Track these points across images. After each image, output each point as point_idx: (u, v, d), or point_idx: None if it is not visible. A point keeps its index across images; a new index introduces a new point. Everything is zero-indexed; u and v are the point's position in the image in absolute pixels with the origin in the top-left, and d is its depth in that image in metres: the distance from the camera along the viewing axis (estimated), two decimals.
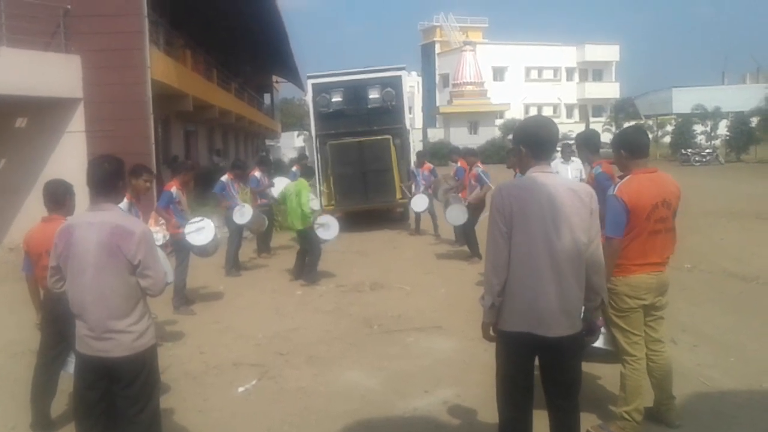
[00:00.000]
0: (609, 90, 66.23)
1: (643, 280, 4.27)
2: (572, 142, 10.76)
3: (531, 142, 3.46)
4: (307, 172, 10.66)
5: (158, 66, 15.32)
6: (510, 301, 3.35)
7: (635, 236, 4.22)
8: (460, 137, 46.57)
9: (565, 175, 9.39)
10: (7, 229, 13.47)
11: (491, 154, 37.84)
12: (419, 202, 13.76)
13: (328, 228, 9.93)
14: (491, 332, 3.51)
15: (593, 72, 68.26)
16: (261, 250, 12.33)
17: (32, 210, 11.31)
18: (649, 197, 4.22)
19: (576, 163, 11.11)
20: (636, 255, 4.24)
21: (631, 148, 4.42)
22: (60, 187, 4.72)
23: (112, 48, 13.84)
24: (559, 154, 11.14)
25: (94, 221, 3.58)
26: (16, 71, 12.23)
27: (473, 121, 55.43)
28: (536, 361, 3.48)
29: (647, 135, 4.85)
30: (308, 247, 9.80)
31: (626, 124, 41.08)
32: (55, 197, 4.66)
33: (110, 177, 3.67)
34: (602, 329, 4.40)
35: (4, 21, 12.36)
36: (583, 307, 3.43)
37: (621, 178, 4.42)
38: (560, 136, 3.69)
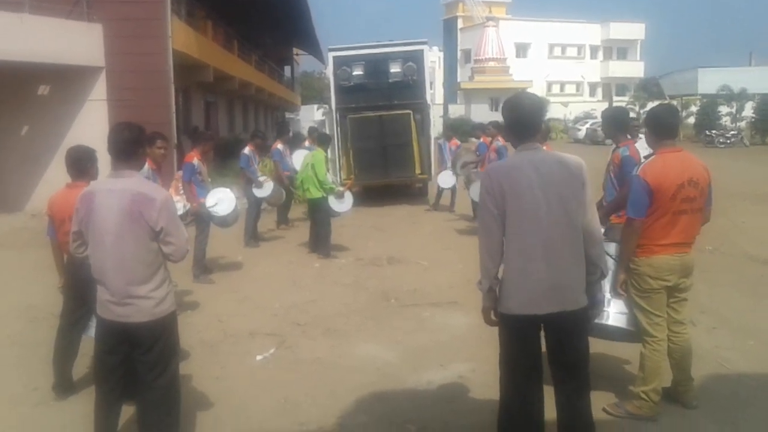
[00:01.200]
0: (633, 69, 65.26)
1: (666, 261, 4.21)
2: (635, 118, 10.28)
3: (515, 119, 3.43)
4: (323, 140, 10.52)
5: (179, 36, 15.34)
6: (507, 282, 3.34)
7: (659, 216, 4.15)
8: (481, 114, 46.22)
9: None
10: (29, 195, 13.65)
11: None
12: (446, 178, 13.67)
13: (342, 200, 9.87)
14: (492, 316, 3.49)
15: (618, 50, 67.18)
16: (280, 221, 12.38)
17: (54, 177, 11.41)
18: (675, 177, 4.14)
19: (642, 141, 10.65)
20: (659, 235, 4.17)
21: (659, 126, 4.34)
22: (83, 153, 4.74)
23: (133, 17, 13.88)
24: None
25: (115, 188, 3.61)
26: (39, 38, 12.31)
27: (494, 97, 54.87)
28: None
29: (677, 115, 4.73)
30: (317, 218, 9.79)
31: (650, 104, 40.54)
32: (79, 163, 4.69)
33: (131, 144, 3.69)
34: (626, 309, 4.38)
35: None
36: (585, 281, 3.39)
37: (647, 157, 4.34)
38: (545, 113, 3.64)
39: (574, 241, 3.29)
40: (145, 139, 3.90)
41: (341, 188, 10.05)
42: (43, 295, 6.67)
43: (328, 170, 9.96)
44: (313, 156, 9.82)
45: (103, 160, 4.87)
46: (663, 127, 4.35)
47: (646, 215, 4.12)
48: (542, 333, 3.46)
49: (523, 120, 3.41)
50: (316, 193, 9.64)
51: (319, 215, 9.77)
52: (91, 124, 13.02)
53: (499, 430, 3.59)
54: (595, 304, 3.63)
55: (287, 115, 47.47)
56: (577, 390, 3.47)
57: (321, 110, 50.60)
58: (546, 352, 3.48)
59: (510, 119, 3.45)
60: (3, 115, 13.95)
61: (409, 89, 15.53)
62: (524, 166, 3.29)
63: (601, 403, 4.31)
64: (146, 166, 6.45)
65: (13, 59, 11.84)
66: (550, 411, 3.57)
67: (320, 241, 9.75)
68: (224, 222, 8.29)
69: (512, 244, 3.29)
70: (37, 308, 6.78)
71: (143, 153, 3.88)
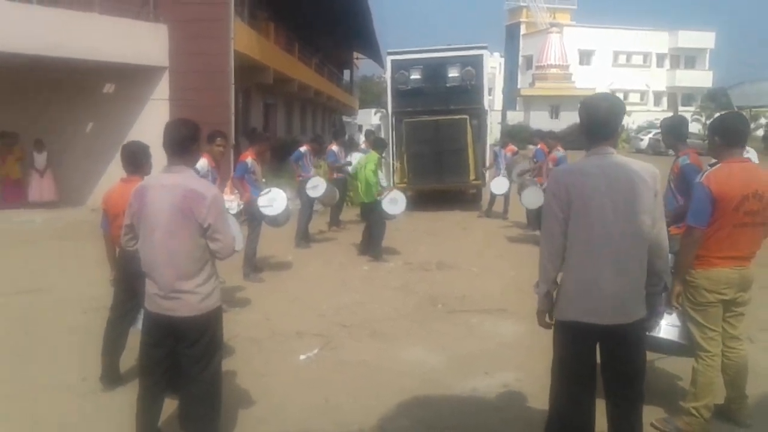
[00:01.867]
0: (701, 78, 63.21)
1: (725, 274, 4.04)
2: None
3: (591, 120, 3.30)
4: (378, 144, 10.55)
5: (242, 38, 15.59)
6: (567, 288, 3.25)
7: (720, 227, 3.99)
8: (541, 121, 45.61)
9: None
10: (91, 190, 14.09)
11: (573, 139, 36.83)
12: (500, 185, 13.52)
13: (395, 203, 9.82)
14: (547, 320, 3.40)
15: (685, 59, 65.20)
16: (332, 223, 12.44)
17: (116, 173, 11.66)
18: (740, 187, 3.96)
19: (752, 154, 10.09)
20: (719, 247, 4.01)
21: (728, 135, 4.15)
22: (138, 148, 4.87)
23: (197, 18, 14.17)
24: None
25: (168, 183, 3.66)
26: (107, 38, 12.73)
27: (555, 104, 54.11)
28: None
29: (747, 123, 4.55)
30: (372, 221, 9.79)
31: (717, 115, 39.29)
32: (133, 158, 4.81)
33: (186, 140, 3.75)
34: (678, 322, 4.23)
35: None
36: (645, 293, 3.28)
37: (712, 165, 4.16)
38: (622, 116, 3.44)
39: (640, 252, 3.18)
40: (199, 136, 3.96)
41: (386, 191, 9.99)
42: (99, 286, 6.82)
43: (381, 173, 9.97)
44: (366, 158, 9.84)
45: (159, 156, 5.02)
46: (732, 134, 4.16)
47: (707, 225, 3.96)
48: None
49: (599, 122, 3.28)
50: (364, 198, 9.69)
51: (373, 217, 9.78)
52: (153, 122, 13.25)
53: None
54: (654, 316, 3.51)
55: (345, 118, 47.81)
56: (630, 403, 3.38)
57: (378, 114, 50.93)
58: (600, 362, 3.38)
59: (585, 120, 3.33)
60: (70, 111, 14.46)
61: (467, 94, 15.41)
62: (593, 170, 3.19)
63: (650, 417, 4.15)
64: (205, 162, 6.61)
65: (82, 57, 12.27)
66: (599, 424, 3.47)
67: (372, 243, 9.75)
68: (275, 221, 8.37)
69: (575, 250, 3.20)
70: (92, 299, 6.95)
71: (197, 149, 3.94)
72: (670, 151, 5.52)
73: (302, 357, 5.61)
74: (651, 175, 3.20)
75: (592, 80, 57.38)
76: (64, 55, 12.02)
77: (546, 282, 3.28)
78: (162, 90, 14.35)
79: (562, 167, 3.43)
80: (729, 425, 4.29)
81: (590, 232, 3.15)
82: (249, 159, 8.25)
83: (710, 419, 4.16)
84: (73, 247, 10.23)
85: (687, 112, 47.66)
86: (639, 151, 42.12)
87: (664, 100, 63.23)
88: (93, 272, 7.67)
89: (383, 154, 10.39)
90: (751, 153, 10.18)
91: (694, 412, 4.13)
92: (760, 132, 42.45)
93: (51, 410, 4.60)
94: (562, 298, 3.28)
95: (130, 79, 14.26)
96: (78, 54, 12.13)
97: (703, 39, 64.03)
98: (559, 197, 3.20)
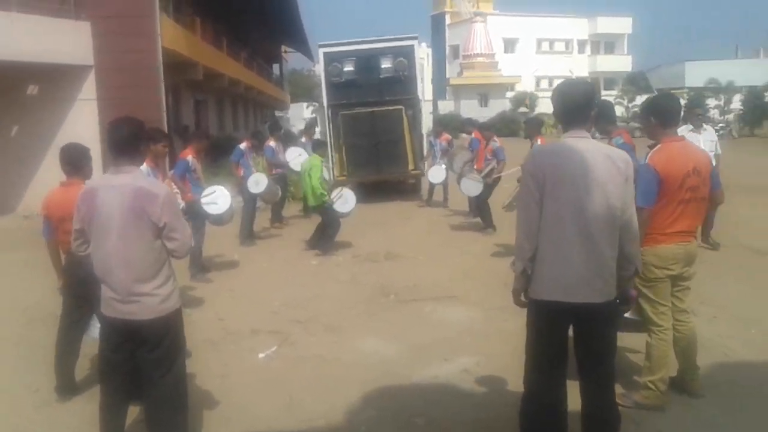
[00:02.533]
0: (621, 63, 65.49)
1: (671, 250, 4.21)
2: (699, 109, 9.84)
3: (565, 105, 3.38)
4: (318, 146, 10.56)
5: (168, 33, 15.24)
6: (541, 267, 3.31)
7: (665, 205, 4.14)
8: (471, 109, 46.30)
9: (698, 145, 8.36)
10: (21, 196, 13.54)
11: (501, 127, 37.56)
12: (437, 174, 13.66)
13: (346, 201, 9.89)
14: (522, 298, 3.46)
15: (605, 44, 67.38)
16: (274, 219, 12.31)
17: (46, 177, 11.34)
18: (681, 166, 4.13)
19: (709, 132, 10.21)
20: (665, 224, 4.16)
21: (663, 115, 4.31)
22: (77, 150, 4.68)
23: (122, 15, 13.78)
24: (683, 126, 9.62)
25: (117, 184, 3.55)
26: (27, 37, 12.19)
27: (483, 93, 55.01)
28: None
29: (680, 102, 4.74)
30: (327, 220, 9.78)
31: (638, 98, 40.72)
32: (73, 161, 4.62)
33: (131, 139, 3.64)
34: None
35: None
36: (616, 276, 3.37)
37: (651, 147, 4.32)
38: (595, 100, 3.56)
39: (611, 235, 3.26)
40: (145, 134, 3.85)
41: (336, 191, 10.03)
42: (40, 296, 6.60)
43: (325, 170, 9.97)
44: (310, 163, 9.82)
45: (96, 158, 4.86)
46: (668, 114, 4.33)
47: (654, 204, 4.10)
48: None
49: (573, 107, 3.36)
50: (312, 202, 9.71)
51: (327, 216, 9.79)
52: (82, 123, 12.94)
53: (522, 417, 3.57)
54: (627, 300, 3.61)
55: (276, 113, 47.33)
56: (603, 380, 3.46)
57: (311, 108, 50.71)
58: (573, 341, 3.46)
59: (560, 105, 3.40)
60: None
61: (401, 85, 15.48)
62: (571, 153, 3.25)
63: None
64: (144, 164, 6.40)
65: (1, 59, 11.70)
66: (572, 403, 3.56)
67: (324, 239, 9.73)
68: (220, 220, 8.23)
69: (550, 229, 3.25)
70: (34, 309, 6.70)
71: (144, 148, 3.83)
72: (597, 135, 5.72)
73: (261, 355, 5.54)
74: (623, 160, 3.30)
75: (518, 68, 58.69)
76: None
77: (522, 260, 3.32)
78: (89, 90, 13.87)
79: (540, 147, 3.49)
80: (684, 396, 4.45)
81: (563, 212, 3.22)
82: (189, 157, 8.07)
83: (666, 392, 4.33)
84: (7, 257, 9.79)
85: (609, 96, 49.21)
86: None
87: None
88: (32, 281, 7.39)
89: (323, 156, 10.38)
90: (708, 130, 10.37)
91: (650, 385, 4.29)
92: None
93: (4, 425, 4.40)
94: (537, 276, 3.33)
95: (55, 79, 13.71)
96: None
97: (621, 24, 66.37)
98: (536, 177, 3.26)
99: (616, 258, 3.32)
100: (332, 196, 9.82)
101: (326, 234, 9.76)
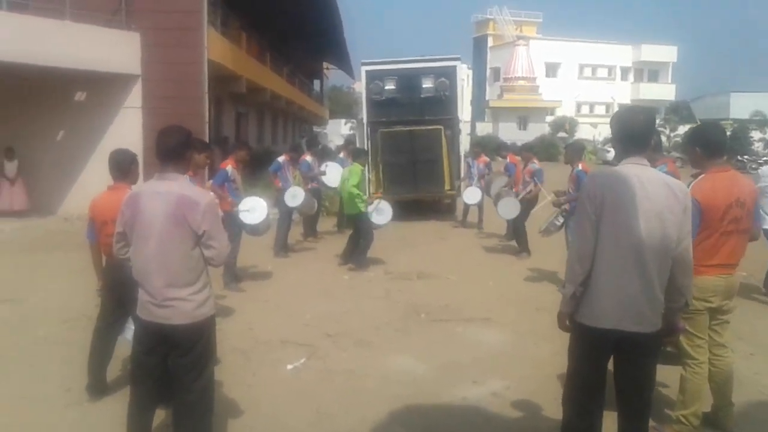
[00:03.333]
0: (664, 91, 64.68)
1: (711, 282, 4.13)
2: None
3: (626, 132, 3.35)
4: (359, 155, 10.55)
5: (215, 47, 15.52)
6: (591, 292, 3.26)
7: (707, 236, 4.08)
8: (509, 132, 46.18)
9: None
10: (62, 199, 13.87)
11: (540, 150, 37.29)
12: (472, 195, 13.63)
13: (382, 212, 9.96)
14: (567, 322, 3.42)
15: (649, 72, 66.69)
16: (308, 233, 12.40)
17: (88, 182, 11.63)
18: (724, 197, 4.07)
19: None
20: (706, 256, 4.08)
21: (709, 145, 4.25)
22: (126, 156, 4.80)
23: (171, 27, 14.09)
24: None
25: (161, 190, 3.61)
26: (78, 45, 12.56)
27: (523, 116, 54.83)
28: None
29: (725, 132, 4.66)
30: (361, 232, 9.81)
31: (681, 128, 40.15)
32: (121, 165, 4.73)
33: (179, 146, 3.71)
34: None
35: None
36: (664, 307, 3.31)
37: (695, 176, 4.26)
38: (655, 128, 3.53)
39: (664, 265, 3.21)
40: (192, 143, 3.92)
41: (373, 202, 10.07)
42: (77, 296, 6.73)
43: (363, 182, 10.02)
44: (349, 171, 9.87)
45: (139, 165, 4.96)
46: (713, 144, 4.26)
47: (695, 235, 4.04)
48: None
49: (636, 134, 3.33)
50: (351, 210, 9.69)
51: (362, 227, 9.81)
52: (126, 130, 13.23)
53: None
54: (673, 332, 3.54)
55: (315, 128, 47.81)
56: (640, 411, 3.42)
57: (349, 125, 51.10)
58: (614, 370, 3.41)
59: (620, 132, 3.37)
60: (40, 119, 14.22)
61: (441, 104, 15.51)
62: (630, 179, 3.21)
63: None
64: None
65: (53, 65, 12.08)
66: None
67: (358, 252, 9.76)
68: (256, 230, 8.31)
69: (603, 254, 3.21)
70: (71, 310, 6.83)
71: (190, 156, 3.90)
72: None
73: (289, 367, 5.57)
74: (682, 191, 3.25)
75: (559, 93, 58.36)
76: (34, 62, 11.82)
77: (573, 283, 3.27)
78: (134, 98, 14.20)
79: (600, 171, 3.46)
80: None
81: (619, 238, 3.18)
82: (229, 167, 8.19)
83: (699, 427, 4.23)
84: (47, 257, 10.03)
85: None
86: (606, 162, 42.80)
87: None
88: (69, 282, 7.55)
89: (363, 166, 10.39)
90: None
91: (683, 419, 4.20)
92: None
93: (35, 422, 4.48)
94: (587, 301, 3.28)
95: (102, 86, 14.07)
96: (48, 61, 11.94)
97: (666, 53, 65.60)
98: (594, 200, 3.22)
99: (664, 289, 3.26)
100: (369, 208, 9.82)
101: (360, 246, 9.77)
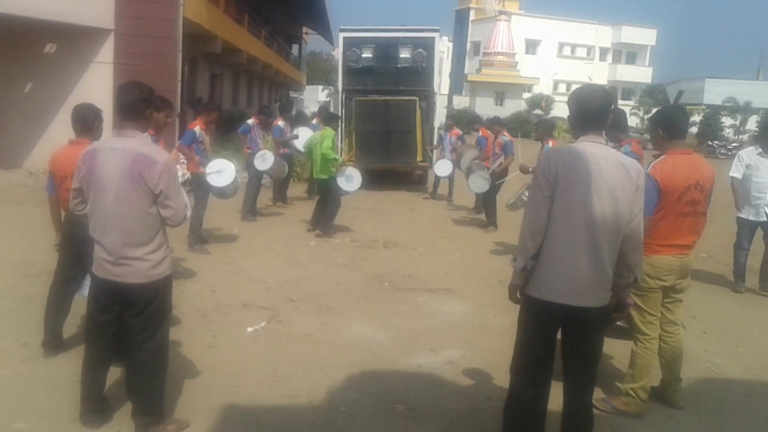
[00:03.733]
0: (641, 74, 65.03)
1: (666, 261, 4.22)
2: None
3: (582, 110, 3.38)
4: (331, 119, 10.40)
5: (191, 4, 15.20)
6: (542, 266, 3.30)
7: (663, 216, 4.16)
8: (486, 107, 46.18)
9: (765, 172, 7.75)
10: (28, 153, 13.59)
11: (515, 126, 37.40)
12: (443, 167, 13.64)
13: (351, 179, 9.87)
14: (518, 295, 3.47)
15: (627, 54, 66.92)
16: (277, 198, 12.35)
17: (55, 136, 11.38)
18: (683, 178, 4.14)
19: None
20: (662, 235, 4.17)
21: (671, 127, 4.31)
22: (89, 111, 4.71)
23: None
24: (751, 147, 8.46)
25: (118, 147, 3.57)
26: None
27: (500, 91, 54.84)
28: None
29: (687, 115, 4.73)
30: (328, 197, 9.78)
31: (654, 110, 40.51)
32: (84, 120, 4.65)
33: (139, 103, 3.65)
34: None
35: None
36: (613, 283, 3.38)
37: (656, 157, 4.32)
38: (612, 106, 3.55)
39: (615, 242, 3.26)
40: (153, 100, 3.85)
41: (343, 168, 9.98)
42: (38, 251, 6.64)
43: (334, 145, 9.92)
44: (322, 134, 9.78)
45: (107, 122, 4.88)
46: (674, 127, 4.33)
47: (652, 213, 4.11)
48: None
49: (591, 112, 3.35)
50: (323, 174, 9.65)
51: (329, 194, 9.77)
52: (96, 85, 12.92)
53: (506, 415, 3.59)
54: (622, 308, 3.61)
55: (291, 94, 47.30)
56: (586, 383, 3.50)
57: (326, 91, 50.64)
58: (561, 343, 3.47)
59: (577, 110, 3.39)
60: (8, 70, 13.82)
61: (417, 76, 15.42)
62: (585, 156, 3.24)
63: None
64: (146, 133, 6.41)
65: (22, 14, 11.70)
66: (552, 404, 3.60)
67: (325, 219, 9.73)
68: (223, 193, 8.26)
69: (556, 230, 3.24)
70: (31, 264, 6.75)
71: (150, 114, 3.83)
72: (609, 142, 5.71)
73: (249, 329, 5.58)
74: (635, 169, 3.29)
75: (537, 70, 58.38)
76: (3, 10, 11.45)
77: (524, 257, 3.31)
78: (106, 53, 13.86)
79: (555, 147, 3.48)
80: (663, 407, 4.49)
81: (572, 214, 3.21)
82: (197, 128, 8.10)
83: (646, 400, 4.36)
84: (9, 210, 9.87)
85: (626, 106, 49.10)
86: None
87: None
88: (31, 237, 7.45)
89: (335, 130, 10.31)
90: None
91: (631, 392, 4.32)
92: (694, 129, 44.09)
93: None
94: (537, 275, 3.32)
95: (73, 39, 13.70)
96: (17, 11, 11.56)
97: (645, 35, 65.83)
98: (548, 175, 3.25)
99: (614, 265, 3.32)
100: (338, 175, 9.74)
101: (327, 213, 9.76)
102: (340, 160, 9.73)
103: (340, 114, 15.14)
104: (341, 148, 15.16)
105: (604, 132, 3.51)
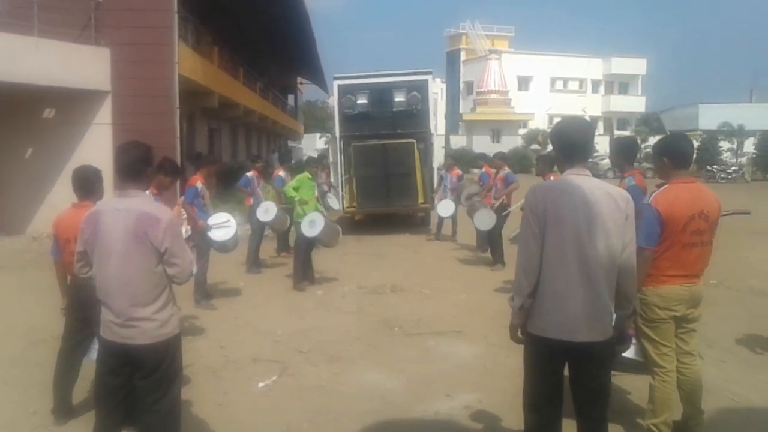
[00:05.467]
0: (634, 103, 65.60)
1: (675, 291, 4.16)
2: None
3: (565, 143, 3.38)
4: (311, 162, 10.50)
5: (186, 62, 15.43)
6: (539, 304, 3.27)
7: (668, 247, 4.10)
8: (483, 145, 46.40)
9: None
10: (31, 218, 13.64)
11: (513, 163, 37.59)
12: (446, 207, 13.65)
13: (314, 225, 9.40)
14: (519, 334, 3.42)
15: (619, 85, 67.60)
16: (280, 249, 12.33)
17: (57, 200, 11.44)
18: (686, 208, 4.09)
19: None
20: (668, 266, 4.12)
21: (675, 156, 4.28)
22: (89, 173, 4.71)
23: (141, 42, 13.98)
24: None
25: (121, 207, 3.55)
26: (48, 62, 12.41)
27: (496, 129, 55.26)
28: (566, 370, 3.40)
29: (692, 144, 4.70)
30: (294, 244, 9.68)
31: (651, 138, 40.81)
32: (85, 183, 4.65)
33: (138, 162, 3.65)
34: (633, 339, 4.31)
35: (36, 12, 12.48)
36: (614, 315, 3.34)
37: (659, 186, 4.29)
38: (593, 138, 3.56)
39: (610, 273, 3.23)
40: (152, 159, 3.86)
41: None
42: (44, 317, 6.59)
43: (331, 195, 9.87)
44: (296, 180, 9.76)
45: (108, 183, 4.88)
46: (679, 156, 4.29)
47: (656, 244, 4.07)
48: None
49: (574, 144, 3.36)
50: (296, 216, 9.59)
51: (297, 238, 9.65)
52: (96, 147, 13.05)
53: None
54: (624, 340, 3.55)
55: (290, 143, 47.71)
56: (598, 421, 3.42)
57: (324, 139, 51.11)
58: (569, 380, 3.42)
59: (560, 143, 3.40)
60: (8, 136, 13.98)
61: (413, 118, 15.54)
62: (572, 190, 3.24)
63: None
64: (148, 192, 6.42)
65: (21, 81, 11.90)
66: None
67: (294, 266, 9.54)
68: (224, 247, 8.23)
69: (550, 267, 3.22)
70: (38, 330, 6.70)
71: (151, 173, 3.83)
72: (609, 173, 5.66)
73: (260, 384, 5.50)
74: (624, 199, 3.28)
75: (531, 105, 58.97)
76: (2, 78, 11.63)
77: (521, 296, 3.29)
78: (104, 114, 14.05)
79: (541, 184, 3.47)
80: None
81: (564, 249, 3.19)
82: (198, 183, 8.12)
83: None
84: (14, 277, 9.84)
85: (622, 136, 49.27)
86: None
87: (601, 124, 65.29)
88: (36, 302, 7.40)
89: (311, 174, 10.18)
90: None
91: (653, 428, 4.21)
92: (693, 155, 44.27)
93: None
94: (535, 312, 3.30)
95: (72, 103, 13.90)
96: (16, 78, 11.77)
97: (635, 65, 66.55)
98: (537, 213, 3.24)
99: (613, 297, 3.28)
100: (302, 220, 9.44)
101: (295, 260, 9.56)
102: (297, 199, 9.53)
103: (338, 160, 15.23)
104: (342, 193, 15.20)
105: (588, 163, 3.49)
